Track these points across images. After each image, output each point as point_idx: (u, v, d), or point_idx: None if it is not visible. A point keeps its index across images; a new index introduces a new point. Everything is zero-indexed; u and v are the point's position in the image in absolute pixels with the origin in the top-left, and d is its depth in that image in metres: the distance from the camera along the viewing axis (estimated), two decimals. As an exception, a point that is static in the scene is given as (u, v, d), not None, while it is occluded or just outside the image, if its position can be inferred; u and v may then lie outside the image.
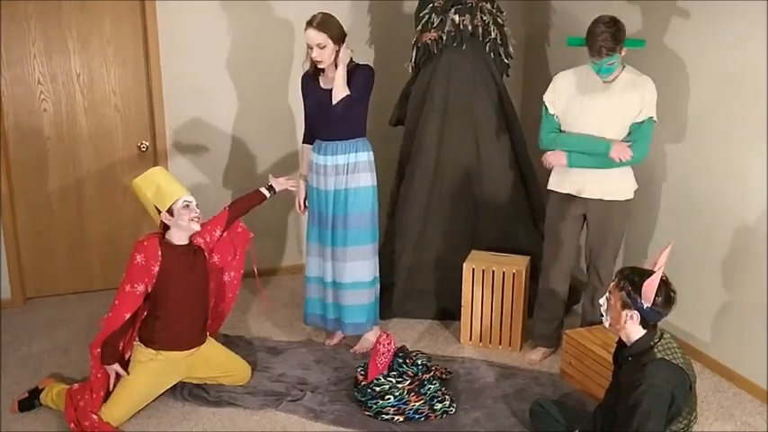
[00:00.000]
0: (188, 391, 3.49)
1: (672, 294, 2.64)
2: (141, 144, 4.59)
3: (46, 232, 4.55)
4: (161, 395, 3.41)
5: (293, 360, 3.84)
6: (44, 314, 4.41)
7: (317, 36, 3.48)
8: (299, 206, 3.92)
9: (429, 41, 4.26)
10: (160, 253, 3.19)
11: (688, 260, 3.84)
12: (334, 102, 3.52)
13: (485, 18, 4.25)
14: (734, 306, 3.65)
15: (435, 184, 4.32)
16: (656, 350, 2.60)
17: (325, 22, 3.49)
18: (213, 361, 3.48)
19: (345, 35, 3.56)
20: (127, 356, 3.37)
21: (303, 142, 3.88)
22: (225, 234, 3.59)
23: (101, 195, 4.60)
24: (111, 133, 4.54)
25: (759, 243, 3.46)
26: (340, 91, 3.52)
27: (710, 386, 3.64)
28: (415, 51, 4.37)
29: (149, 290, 3.21)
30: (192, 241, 3.35)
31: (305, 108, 3.78)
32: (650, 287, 2.59)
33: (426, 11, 4.28)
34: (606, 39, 3.26)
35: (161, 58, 4.45)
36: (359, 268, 3.78)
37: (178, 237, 3.28)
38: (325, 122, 3.66)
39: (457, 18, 4.20)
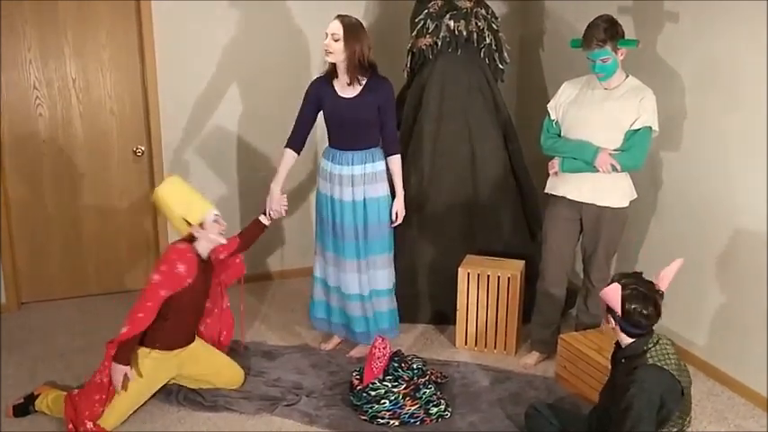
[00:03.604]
0: (183, 396, 3.49)
1: (646, 311, 2.61)
2: (137, 148, 4.60)
3: (41, 237, 4.54)
4: (156, 399, 3.43)
5: (289, 364, 3.84)
6: (39, 319, 4.40)
7: (336, 26, 3.47)
8: (267, 214, 3.74)
9: (424, 47, 4.28)
10: (197, 268, 3.27)
11: (682, 265, 3.86)
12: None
13: (479, 24, 4.27)
14: (728, 311, 3.67)
15: (431, 189, 4.34)
16: (648, 355, 2.62)
17: (350, 22, 3.49)
18: (202, 358, 3.49)
19: (363, 51, 3.49)
20: None
21: (288, 146, 3.70)
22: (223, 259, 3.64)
23: (96, 200, 4.60)
24: (106, 137, 4.54)
25: (754, 248, 3.48)
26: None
27: (704, 390, 3.65)
28: (410, 57, 4.39)
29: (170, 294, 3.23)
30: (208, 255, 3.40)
31: (305, 111, 3.69)
32: (606, 294, 2.62)
33: (421, 16, 4.30)
34: (599, 31, 3.34)
35: (157, 62, 4.45)
36: (380, 277, 3.79)
37: (203, 249, 3.34)
38: (343, 132, 3.64)
39: (452, 24, 4.22)
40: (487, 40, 4.30)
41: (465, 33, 4.23)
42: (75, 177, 4.53)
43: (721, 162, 3.61)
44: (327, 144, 3.77)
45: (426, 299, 4.37)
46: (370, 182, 3.67)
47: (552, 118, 3.67)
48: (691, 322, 3.87)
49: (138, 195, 4.68)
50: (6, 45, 4.22)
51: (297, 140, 3.72)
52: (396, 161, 3.72)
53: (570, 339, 3.66)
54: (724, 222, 3.63)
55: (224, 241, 3.38)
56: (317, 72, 4.58)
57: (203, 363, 3.49)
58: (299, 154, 3.74)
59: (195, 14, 4.46)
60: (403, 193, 3.77)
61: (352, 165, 3.65)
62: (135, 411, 3.34)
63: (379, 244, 3.75)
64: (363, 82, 3.57)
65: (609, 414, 2.74)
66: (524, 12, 5.16)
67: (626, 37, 3.44)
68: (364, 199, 3.67)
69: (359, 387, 3.41)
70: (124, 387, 3.20)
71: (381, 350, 3.46)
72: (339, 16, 3.52)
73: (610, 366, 2.89)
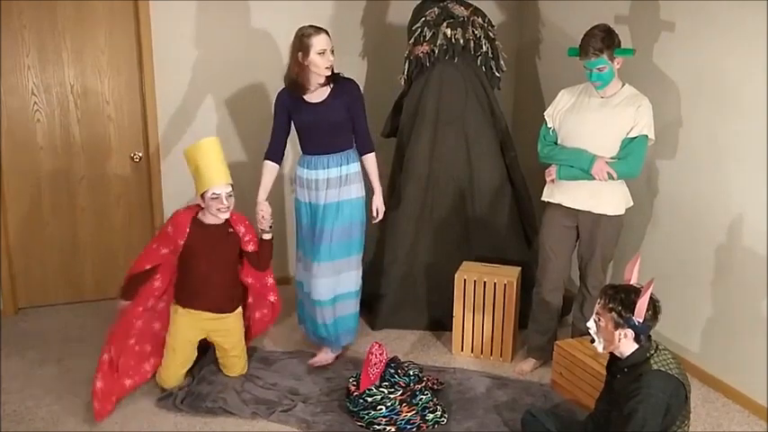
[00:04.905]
0: (180, 399, 3.51)
1: (657, 305, 2.66)
2: (134, 154, 4.60)
3: (38, 242, 4.55)
4: (152, 403, 3.49)
5: (285, 370, 3.85)
6: (36, 324, 4.40)
7: (328, 39, 3.53)
8: (259, 229, 3.72)
9: (421, 54, 4.30)
10: (188, 230, 3.51)
11: (678, 272, 3.88)
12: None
13: (476, 32, 4.29)
14: (723, 318, 3.69)
15: (427, 196, 4.35)
16: (652, 361, 2.62)
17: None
18: (230, 336, 3.68)
19: None
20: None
21: (267, 158, 3.76)
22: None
23: (93, 205, 4.61)
24: (104, 143, 4.55)
25: (749, 255, 3.50)
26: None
27: (699, 396, 3.66)
28: (407, 64, 4.41)
29: (176, 254, 3.56)
30: (228, 222, 3.58)
31: (278, 122, 3.72)
32: (643, 305, 2.61)
33: (419, 24, 4.33)
34: (596, 41, 3.37)
35: (155, 69, 4.47)
36: (352, 278, 3.81)
37: (209, 218, 3.54)
38: (317, 137, 3.66)
39: (449, 32, 4.25)
40: (484, 48, 4.32)
41: (462, 41, 4.25)
42: (72, 183, 4.54)
43: (717, 170, 3.63)
44: (301, 153, 3.76)
45: (423, 305, 4.38)
46: (344, 184, 3.69)
47: (549, 126, 3.70)
48: (685, 329, 3.89)
49: (136, 201, 4.69)
50: (5, 51, 4.23)
51: (275, 151, 3.76)
52: (371, 159, 3.76)
53: (566, 346, 3.67)
54: (719, 230, 3.64)
55: (223, 217, 3.53)
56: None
57: (230, 341, 3.68)
58: (279, 164, 3.78)
59: (195, 20, 4.47)
60: (381, 189, 3.82)
61: (328, 168, 3.67)
62: (134, 414, 3.41)
63: (348, 245, 3.76)
64: (330, 85, 3.61)
65: (608, 419, 2.74)
66: (521, 20, 5.19)
67: (622, 46, 3.47)
68: (339, 201, 3.69)
69: (355, 393, 3.42)
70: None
71: (378, 356, 3.47)
72: (321, 29, 3.54)
73: (606, 375, 2.90)
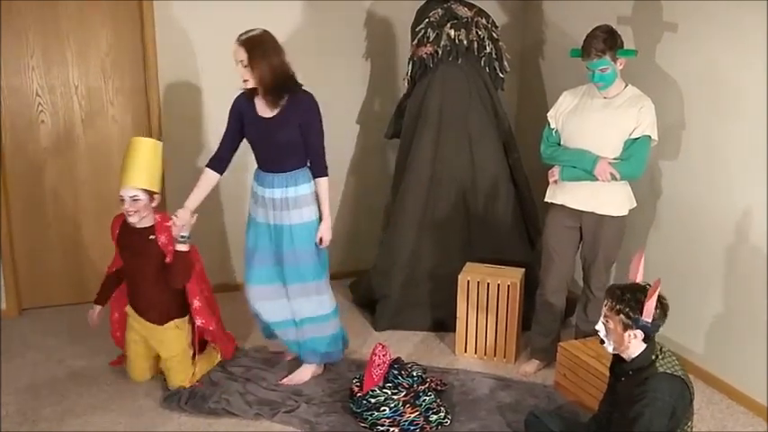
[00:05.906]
0: (185, 400, 3.51)
1: (665, 303, 2.65)
2: (138, 156, 4.61)
3: (42, 243, 4.55)
4: (157, 404, 3.52)
5: (288, 371, 3.85)
6: (39, 325, 4.40)
7: (238, 51, 3.26)
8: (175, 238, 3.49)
9: (425, 56, 4.30)
10: (118, 232, 3.60)
11: (681, 273, 3.88)
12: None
13: (480, 33, 4.30)
14: (727, 319, 3.68)
15: (430, 197, 4.35)
16: (657, 364, 2.61)
17: (251, 42, 3.26)
18: (164, 347, 3.61)
19: (275, 67, 3.28)
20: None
21: (208, 165, 3.55)
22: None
23: (97, 207, 4.61)
24: (108, 145, 4.56)
25: (752, 257, 3.50)
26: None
27: (704, 398, 3.66)
28: (410, 65, 4.41)
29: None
30: (153, 228, 3.53)
31: (229, 130, 3.53)
32: (651, 307, 2.60)
33: (422, 25, 4.33)
34: (598, 42, 3.37)
35: (159, 70, 4.47)
36: (320, 301, 3.65)
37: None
38: (265, 154, 3.47)
39: (452, 33, 4.25)
40: (488, 49, 4.32)
41: (465, 42, 4.26)
42: (76, 184, 4.55)
43: (720, 171, 3.63)
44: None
45: (426, 306, 4.38)
46: (294, 206, 3.45)
47: (552, 127, 3.70)
48: (689, 330, 3.88)
49: (139, 202, 4.69)
50: (10, 52, 4.24)
51: (219, 160, 3.55)
52: (322, 183, 3.48)
53: (569, 347, 3.67)
54: (722, 230, 3.64)
55: (133, 221, 3.46)
56: (329, 79, 4.59)
57: (163, 350, 3.61)
58: (220, 174, 3.56)
59: (199, 21, 4.48)
60: (329, 217, 3.54)
61: (273, 188, 3.44)
62: (138, 414, 3.44)
63: (315, 266, 3.56)
64: (284, 99, 3.35)
65: (609, 421, 2.74)
66: (524, 21, 5.20)
67: (625, 47, 3.47)
68: (291, 224, 3.47)
69: (359, 394, 3.42)
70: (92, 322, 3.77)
71: (381, 357, 3.47)
72: (240, 38, 3.27)
73: (609, 377, 2.89)
